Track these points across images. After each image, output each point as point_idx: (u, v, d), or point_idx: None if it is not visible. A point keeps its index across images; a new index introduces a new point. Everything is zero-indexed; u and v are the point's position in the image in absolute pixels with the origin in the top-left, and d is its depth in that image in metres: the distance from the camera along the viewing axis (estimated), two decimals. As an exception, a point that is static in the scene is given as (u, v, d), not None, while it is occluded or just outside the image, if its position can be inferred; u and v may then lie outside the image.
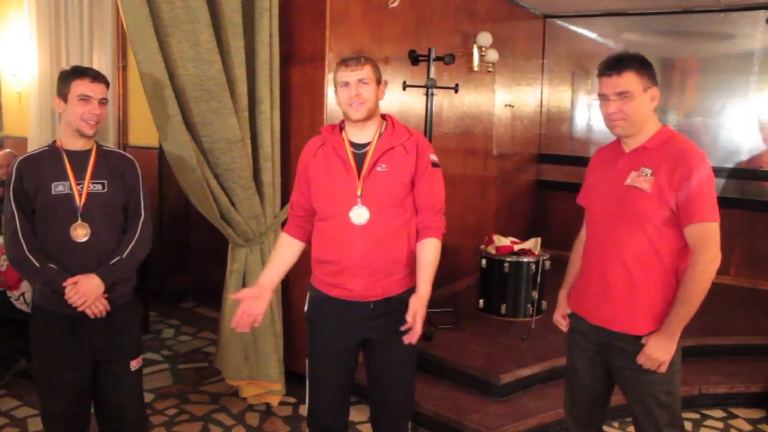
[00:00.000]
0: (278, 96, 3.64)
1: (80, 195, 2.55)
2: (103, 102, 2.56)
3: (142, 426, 2.90)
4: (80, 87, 2.51)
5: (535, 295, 4.31)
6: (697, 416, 3.98)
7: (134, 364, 2.74)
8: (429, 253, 2.52)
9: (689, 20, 6.14)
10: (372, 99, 2.45)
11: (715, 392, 4.10)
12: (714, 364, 4.36)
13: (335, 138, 2.53)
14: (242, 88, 3.45)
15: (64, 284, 2.48)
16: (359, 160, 2.49)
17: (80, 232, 2.54)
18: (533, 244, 4.46)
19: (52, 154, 2.58)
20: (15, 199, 2.51)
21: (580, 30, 6.73)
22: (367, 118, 2.47)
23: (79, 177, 2.56)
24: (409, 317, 2.41)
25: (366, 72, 2.44)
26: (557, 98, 6.94)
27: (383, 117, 2.58)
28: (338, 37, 3.85)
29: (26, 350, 4.19)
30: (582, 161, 6.66)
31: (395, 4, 4.25)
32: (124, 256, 2.61)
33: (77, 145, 2.60)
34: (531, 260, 4.31)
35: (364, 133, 2.51)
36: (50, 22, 6.26)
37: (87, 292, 2.50)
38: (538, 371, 4.00)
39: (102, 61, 6.02)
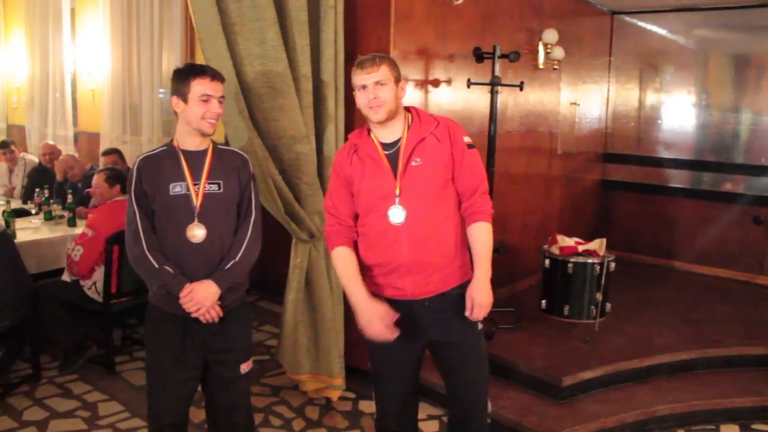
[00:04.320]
0: (343, 93, 3.65)
1: (197, 195, 2.54)
2: (221, 100, 2.54)
3: (251, 427, 2.89)
4: (201, 86, 2.47)
5: (598, 297, 4.22)
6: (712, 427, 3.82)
7: (244, 367, 2.72)
8: (480, 235, 2.47)
9: (766, 14, 5.89)
10: (391, 100, 2.40)
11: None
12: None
13: (365, 141, 2.50)
14: (307, 85, 3.48)
15: (180, 294, 2.48)
16: (393, 159, 2.45)
17: (197, 234, 2.52)
18: (598, 245, 4.37)
19: (169, 154, 2.57)
20: (136, 198, 2.51)
21: (649, 26, 6.55)
22: (388, 118, 2.42)
23: (196, 177, 2.54)
24: (467, 305, 2.43)
25: (382, 73, 2.39)
26: (624, 96, 6.77)
27: (407, 110, 2.53)
28: (402, 34, 3.85)
29: (98, 337, 4.35)
30: (650, 161, 6.56)
31: (460, 1, 4.22)
32: (237, 259, 2.58)
33: (194, 144, 2.57)
34: (595, 261, 4.22)
35: (391, 132, 2.47)
36: (123, 22, 6.47)
37: (202, 300, 2.49)
38: (600, 374, 3.91)
39: (171, 59, 6.19)
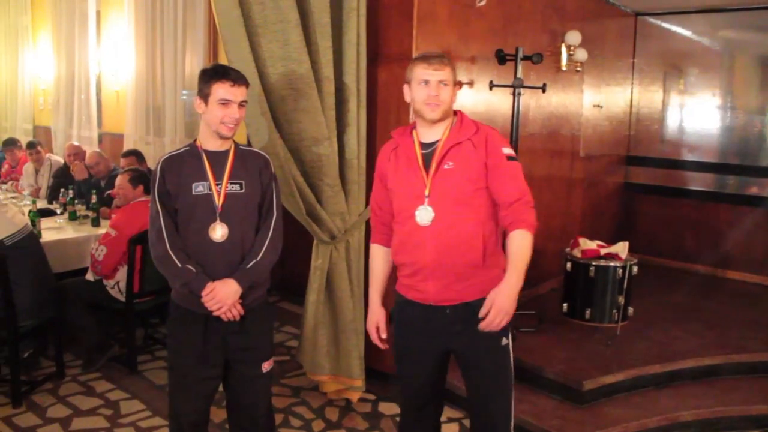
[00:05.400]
0: (365, 95, 3.66)
1: (219, 195, 2.56)
2: (242, 104, 2.54)
3: (272, 426, 2.91)
4: (221, 90, 2.48)
5: (621, 300, 4.19)
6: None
7: (266, 366, 2.74)
8: (517, 241, 2.35)
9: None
10: (448, 101, 2.39)
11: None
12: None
13: (405, 140, 2.50)
14: (330, 87, 3.49)
15: (201, 292, 2.51)
16: (427, 159, 2.43)
17: (218, 233, 2.54)
18: (621, 248, 4.34)
19: (192, 154, 2.60)
20: (159, 197, 2.54)
21: (673, 28, 6.49)
22: (441, 119, 2.41)
23: (218, 177, 2.57)
24: (485, 304, 2.27)
25: (447, 73, 2.38)
26: (648, 99, 6.71)
27: (453, 113, 2.51)
28: (425, 36, 3.85)
29: (120, 336, 4.40)
30: (674, 164, 6.49)
31: (482, 3, 4.21)
32: (258, 258, 2.61)
33: (216, 144, 2.59)
34: (618, 265, 4.20)
35: (434, 132, 2.45)
36: (147, 25, 6.54)
37: (224, 298, 2.52)
38: (622, 379, 3.88)
39: (194, 61, 6.24)
